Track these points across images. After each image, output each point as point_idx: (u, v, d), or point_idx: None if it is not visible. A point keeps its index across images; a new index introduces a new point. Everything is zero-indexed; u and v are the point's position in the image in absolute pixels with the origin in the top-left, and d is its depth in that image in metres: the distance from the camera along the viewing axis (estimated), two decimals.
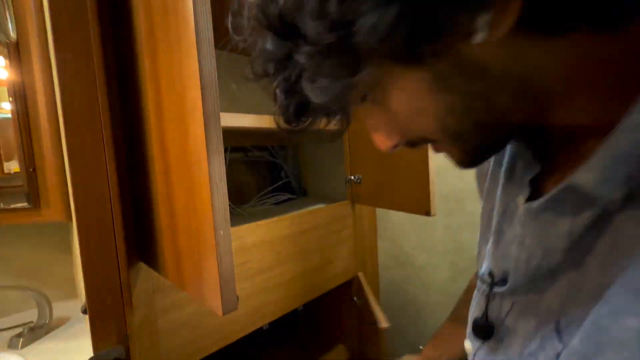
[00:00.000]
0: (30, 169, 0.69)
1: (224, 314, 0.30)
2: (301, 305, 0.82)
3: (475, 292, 0.34)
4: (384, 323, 0.85)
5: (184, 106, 0.32)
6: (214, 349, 0.65)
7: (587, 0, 0.17)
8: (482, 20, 0.17)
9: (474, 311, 0.33)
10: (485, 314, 0.30)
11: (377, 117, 0.27)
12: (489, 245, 0.32)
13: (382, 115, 0.26)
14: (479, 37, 0.18)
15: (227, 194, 0.31)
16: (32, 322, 0.77)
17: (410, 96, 0.23)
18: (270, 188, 1.08)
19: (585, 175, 0.21)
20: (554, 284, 0.24)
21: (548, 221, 0.24)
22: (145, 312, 0.47)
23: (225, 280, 0.30)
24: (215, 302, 0.31)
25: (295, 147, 1.18)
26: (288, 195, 1.08)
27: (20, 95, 0.67)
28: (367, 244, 1.00)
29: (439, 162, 0.64)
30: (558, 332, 0.23)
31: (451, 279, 0.95)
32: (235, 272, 0.31)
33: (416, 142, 0.28)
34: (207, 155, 0.29)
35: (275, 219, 0.72)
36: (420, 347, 0.54)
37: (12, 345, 0.72)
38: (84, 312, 0.48)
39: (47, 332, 0.77)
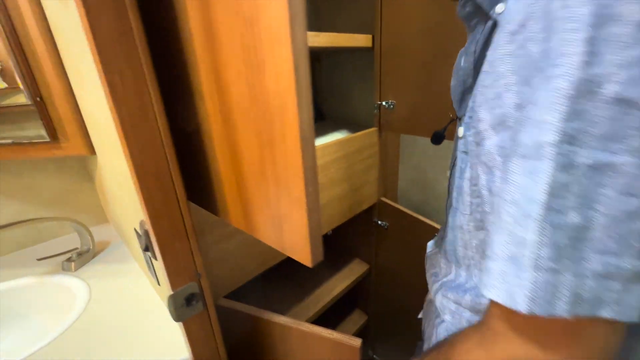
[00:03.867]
0: (37, 98, 0.62)
1: (312, 265, 0.31)
2: (330, 230, 0.86)
3: None
4: None
5: (254, 35, 0.26)
6: (258, 272, 0.70)
7: None
8: None
9: None
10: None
11: None
12: None
13: None
14: None
15: (315, 147, 0.27)
16: (77, 248, 0.81)
17: None
18: None
19: None
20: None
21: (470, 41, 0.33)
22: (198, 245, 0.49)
23: (314, 236, 0.30)
24: (302, 254, 0.31)
25: (313, 66, 1.07)
26: None
27: (4, 12, 0.56)
28: (390, 170, 1.00)
29: None
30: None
31: None
32: None
33: None
34: (297, 102, 0.25)
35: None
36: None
37: (65, 268, 0.77)
38: (146, 249, 0.50)
39: (94, 256, 0.82)
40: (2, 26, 0.56)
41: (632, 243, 0.19)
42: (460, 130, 0.34)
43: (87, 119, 0.62)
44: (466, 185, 0.34)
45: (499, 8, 0.26)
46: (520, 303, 0.22)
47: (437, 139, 0.48)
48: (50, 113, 0.64)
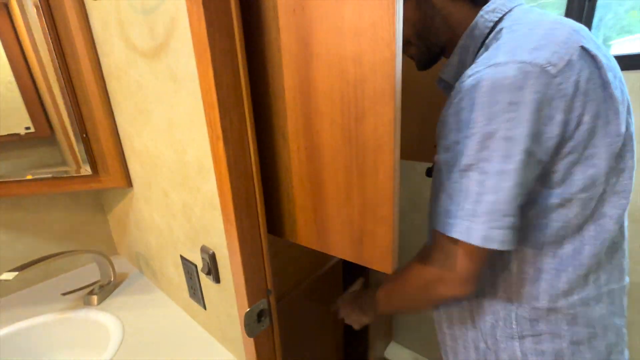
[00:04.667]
0: (83, 135, 0.66)
1: (392, 271, 0.38)
2: None
3: None
4: None
5: (357, 94, 0.35)
6: (292, 290, 0.75)
7: None
8: None
9: None
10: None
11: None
12: None
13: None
14: None
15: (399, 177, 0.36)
16: (97, 280, 0.80)
17: (408, 11, 0.48)
18: None
19: (442, 73, 0.53)
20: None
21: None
22: None
23: (394, 248, 0.38)
24: (383, 264, 0.39)
25: None
26: None
27: (60, 53, 0.61)
28: None
29: None
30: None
31: None
32: None
33: (404, 44, 0.52)
34: (393, 144, 0.34)
35: None
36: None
37: (87, 302, 0.76)
38: (208, 272, 0.54)
39: (115, 288, 0.82)
40: (61, 74, 0.61)
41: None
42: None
43: (134, 154, 0.66)
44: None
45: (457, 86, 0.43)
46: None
47: (430, 173, 0.61)
48: (93, 148, 0.67)
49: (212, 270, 0.53)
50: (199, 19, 0.35)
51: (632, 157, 0.42)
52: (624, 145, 0.41)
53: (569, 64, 0.36)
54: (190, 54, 0.41)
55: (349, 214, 0.40)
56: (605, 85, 0.38)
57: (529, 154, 0.37)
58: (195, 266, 0.59)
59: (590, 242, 0.43)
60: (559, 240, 0.43)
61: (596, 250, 0.43)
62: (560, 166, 0.40)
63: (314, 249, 0.47)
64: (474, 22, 0.46)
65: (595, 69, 0.38)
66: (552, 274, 0.44)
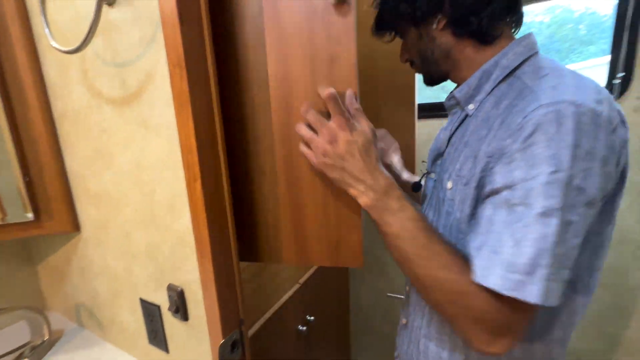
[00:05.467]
0: (26, 178, 0.62)
1: (362, 266, 0.46)
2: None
3: None
4: None
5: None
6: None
7: (475, 32, 0.47)
8: (435, 20, 0.48)
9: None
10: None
11: (403, 45, 0.57)
12: None
13: (405, 45, 0.57)
14: (433, 27, 0.49)
15: None
16: (29, 341, 0.71)
17: (410, 37, 0.53)
18: None
19: (456, 91, 0.51)
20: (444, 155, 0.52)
21: (449, 122, 0.55)
22: None
23: (362, 245, 0.47)
24: (356, 262, 0.47)
25: None
26: None
27: (4, 93, 0.59)
28: None
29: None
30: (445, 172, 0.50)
31: None
32: None
33: (410, 61, 0.57)
34: None
35: None
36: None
37: None
38: (176, 311, 0.54)
39: (51, 347, 0.72)
40: (6, 118, 0.58)
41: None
42: (449, 183, 0.47)
43: (88, 197, 0.64)
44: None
45: (471, 107, 0.48)
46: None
47: (416, 187, 0.67)
48: (37, 192, 0.63)
49: (181, 308, 0.53)
50: (181, 78, 0.40)
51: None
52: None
53: (620, 124, 0.37)
54: (166, 105, 0.45)
55: (327, 228, 0.48)
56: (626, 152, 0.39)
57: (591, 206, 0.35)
58: (159, 307, 0.58)
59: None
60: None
61: None
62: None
63: (293, 265, 0.52)
64: (507, 49, 0.45)
65: (625, 134, 0.38)
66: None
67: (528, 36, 0.46)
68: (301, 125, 0.43)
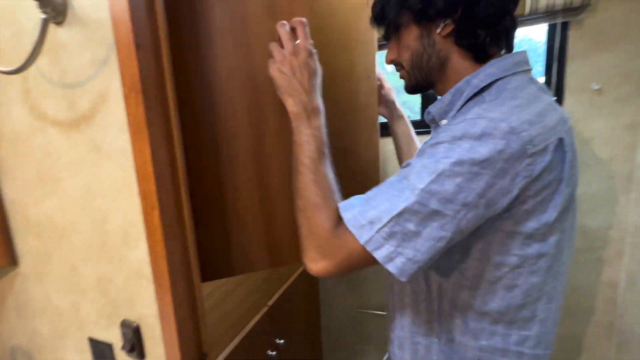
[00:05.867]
0: None
1: None
2: None
3: None
4: None
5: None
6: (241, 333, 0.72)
7: (477, 47, 0.47)
8: (440, 24, 0.46)
9: None
10: None
11: (394, 42, 0.53)
12: None
13: (396, 42, 0.53)
14: (437, 30, 0.47)
15: None
16: None
17: (409, 36, 0.50)
18: None
19: (431, 106, 0.52)
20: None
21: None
22: None
23: None
24: None
25: None
26: None
27: None
28: None
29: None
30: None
31: None
32: None
33: (396, 64, 0.54)
34: None
35: None
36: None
37: None
38: (131, 349, 0.50)
39: None
40: None
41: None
42: None
43: (28, 226, 0.58)
44: None
45: (444, 122, 0.50)
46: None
47: None
48: None
49: (136, 345, 0.49)
50: (137, 103, 0.38)
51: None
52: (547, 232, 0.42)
53: (545, 149, 0.38)
54: (121, 130, 0.43)
55: (292, 230, 0.48)
56: (560, 181, 0.40)
57: (469, 209, 0.38)
58: (111, 346, 0.53)
59: None
60: None
61: None
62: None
63: (265, 269, 0.51)
64: (481, 69, 0.46)
65: (560, 163, 0.40)
66: None
67: (503, 58, 0.46)
68: (274, 43, 0.48)
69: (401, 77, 0.55)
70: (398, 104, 0.82)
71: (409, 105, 1.22)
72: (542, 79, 1.00)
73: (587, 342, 1.05)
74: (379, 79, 0.79)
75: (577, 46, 0.91)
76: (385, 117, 0.84)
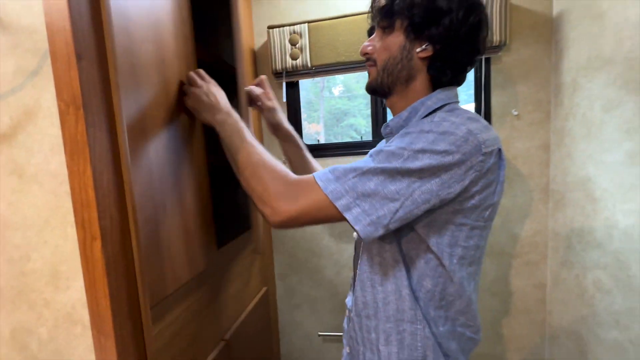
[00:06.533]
0: None
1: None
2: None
3: None
4: None
5: None
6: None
7: (444, 76, 0.52)
8: (422, 45, 0.50)
9: None
10: None
11: (377, 38, 0.55)
12: None
13: (379, 39, 0.54)
14: (417, 50, 0.51)
15: None
16: None
17: (393, 40, 0.52)
18: None
19: (390, 120, 0.57)
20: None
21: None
22: None
23: None
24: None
25: None
26: None
27: None
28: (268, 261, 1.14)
29: None
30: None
31: (336, 274, 1.24)
32: None
33: (369, 58, 0.56)
34: None
35: None
36: None
37: None
38: None
39: None
40: None
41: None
42: None
43: None
44: None
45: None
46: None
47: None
48: None
49: None
50: (77, 120, 0.34)
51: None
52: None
53: (492, 152, 0.46)
54: (53, 151, 0.37)
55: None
56: (498, 183, 0.49)
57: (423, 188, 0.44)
58: None
59: None
60: None
61: None
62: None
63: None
64: (432, 94, 0.53)
65: (498, 169, 0.49)
66: None
67: (448, 89, 0.53)
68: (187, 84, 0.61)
69: (369, 73, 0.58)
70: (287, 124, 0.78)
71: (356, 127, 1.28)
72: (471, 105, 1.14)
73: (525, 341, 1.15)
74: (260, 100, 0.75)
75: (498, 78, 1.06)
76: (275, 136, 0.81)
